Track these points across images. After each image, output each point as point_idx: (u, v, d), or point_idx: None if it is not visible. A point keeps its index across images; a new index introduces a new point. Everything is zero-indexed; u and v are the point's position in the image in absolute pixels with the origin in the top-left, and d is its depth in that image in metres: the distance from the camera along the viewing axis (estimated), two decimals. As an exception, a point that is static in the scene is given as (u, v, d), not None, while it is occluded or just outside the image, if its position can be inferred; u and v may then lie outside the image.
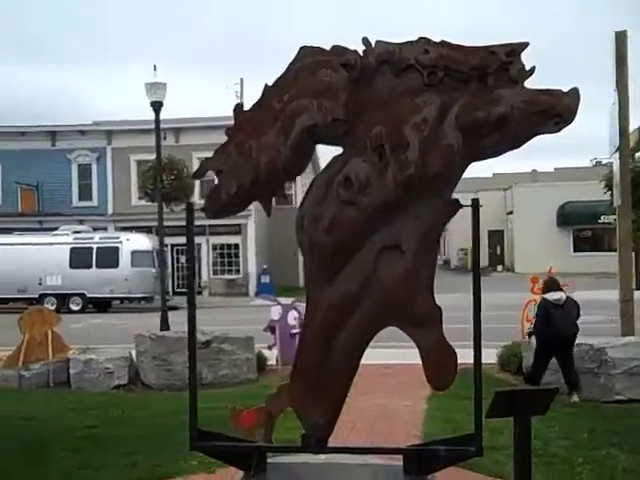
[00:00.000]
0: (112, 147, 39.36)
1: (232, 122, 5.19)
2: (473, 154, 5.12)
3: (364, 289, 5.09)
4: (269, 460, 5.58)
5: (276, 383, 12.44)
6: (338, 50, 5.12)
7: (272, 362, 13.25)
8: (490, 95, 4.99)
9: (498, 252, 52.47)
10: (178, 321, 17.01)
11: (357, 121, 5.08)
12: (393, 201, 4.96)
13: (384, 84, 5.13)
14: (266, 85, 5.16)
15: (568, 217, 47.10)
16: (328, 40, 5.15)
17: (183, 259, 36.82)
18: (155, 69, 16.94)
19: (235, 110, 5.18)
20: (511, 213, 48.96)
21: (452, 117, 4.97)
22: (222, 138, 5.21)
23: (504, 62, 5.00)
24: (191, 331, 5.47)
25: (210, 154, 5.25)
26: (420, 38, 5.11)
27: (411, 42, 5.10)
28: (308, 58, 5.12)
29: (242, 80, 43.89)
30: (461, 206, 5.16)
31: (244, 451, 5.49)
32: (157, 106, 16.65)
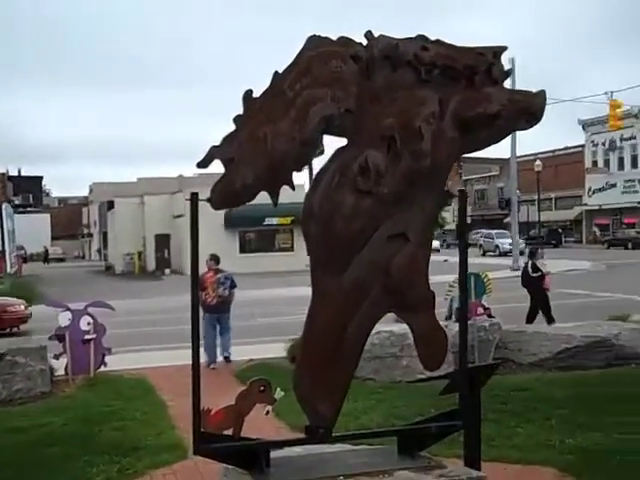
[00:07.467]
0: None
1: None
2: (465, 148, 5.45)
3: (374, 277, 5.17)
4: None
5: (74, 394, 11.64)
6: (344, 41, 5.13)
7: (61, 372, 12.30)
8: (479, 93, 5.36)
9: (165, 255, 53.08)
10: None
11: (363, 113, 5.13)
12: (405, 191, 5.11)
13: (382, 77, 5.25)
14: (276, 72, 4.99)
15: (234, 220, 48.26)
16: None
17: None
18: None
19: (245, 97, 4.92)
20: (179, 217, 49.00)
21: (450, 112, 5.25)
22: None
23: (490, 63, 5.40)
24: (195, 334, 5.08)
25: None
26: (418, 35, 5.31)
27: (410, 39, 5.29)
28: (319, 47, 5.06)
29: None
30: (454, 196, 5.48)
31: (249, 449, 5.23)
32: None
